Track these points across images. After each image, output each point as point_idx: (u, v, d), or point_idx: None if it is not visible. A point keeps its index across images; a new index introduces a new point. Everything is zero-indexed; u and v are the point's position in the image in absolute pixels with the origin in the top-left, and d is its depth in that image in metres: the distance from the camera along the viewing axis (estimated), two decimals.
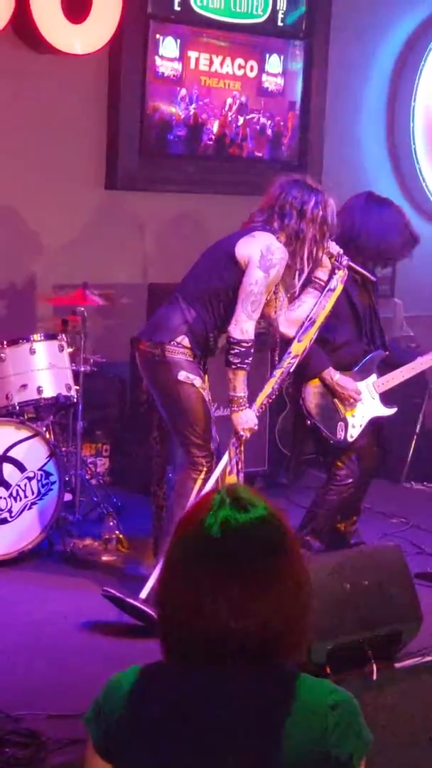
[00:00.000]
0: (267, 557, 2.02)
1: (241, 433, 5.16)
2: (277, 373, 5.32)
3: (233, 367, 5.07)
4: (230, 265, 5.12)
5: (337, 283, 5.37)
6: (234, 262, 5.11)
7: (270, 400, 5.35)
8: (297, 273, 5.28)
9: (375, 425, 5.90)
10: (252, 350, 5.09)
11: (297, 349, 5.33)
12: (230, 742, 2.00)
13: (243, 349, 5.05)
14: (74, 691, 4.28)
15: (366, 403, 5.78)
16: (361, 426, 5.77)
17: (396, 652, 4.68)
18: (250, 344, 5.07)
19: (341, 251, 5.37)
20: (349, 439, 5.72)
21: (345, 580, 4.53)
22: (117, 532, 5.99)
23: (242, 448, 5.21)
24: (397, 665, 4.66)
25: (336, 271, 5.36)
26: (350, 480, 5.76)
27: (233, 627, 1.99)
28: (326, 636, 4.31)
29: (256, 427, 5.23)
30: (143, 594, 4.97)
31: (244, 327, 5.04)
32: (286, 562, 2.04)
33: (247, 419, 5.16)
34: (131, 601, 4.95)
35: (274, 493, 7.17)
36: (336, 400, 5.71)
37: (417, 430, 7.94)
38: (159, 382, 5.23)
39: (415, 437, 7.92)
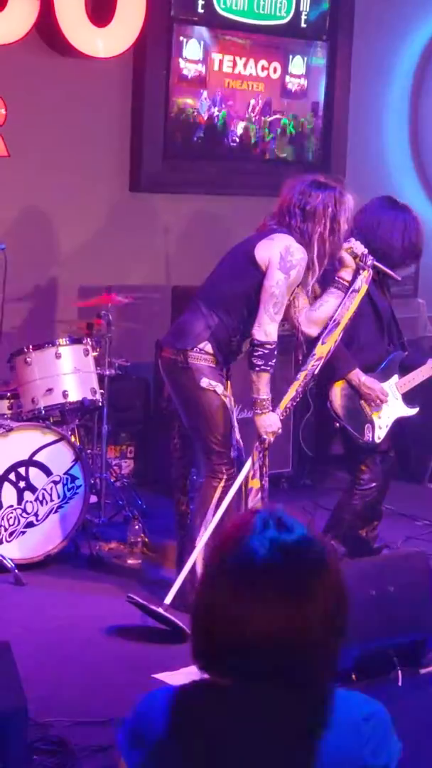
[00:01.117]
0: (314, 577, 2.03)
1: (265, 436, 5.16)
2: (301, 375, 5.30)
3: (257, 369, 5.08)
4: (250, 269, 5.13)
5: (362, 283, 5.33)
6: (254, 265, 5.11)
7: (294, 403, 5.35)
8: (311, 273, 5.23)
9: (396, 428, 5.90)
10: (275, 352, 5.10)
11: (321, 351, 5.31)
12: (267, 764, 2.01)
13: (266, 351, 5.06)
14: (102, 697, 4.33)
15: (391, 404, 5.79)
16: (387, 426, 5.77)
17: (422, 658, 4.69)
18: (273, 346, 5.07)
19: (366, 251, 5.33)
20: (377, 440, 5.73)
21: (370, 587, 4.55)
22: (142, 534, 6.01)
23: (266, 452, 5.22)
24: (423, 671, 4.68)
25: (360, 271, 5.31)
26: (374, 484, 5.77)
27: (276, 644, 1.99)
28: (352, 642, 4.31)
29: (280, 431, 5.23)
30: (168, 600, 4.99)
31: (267, 329, 5.05)
32: (331, 579, 2.05)
33: (270, 422, 5.16)
34: (155, 608, 4.97)
35: (298, 494, 7.20)
36: (362, 402, 5.71)
37: None
38: (181, 388, 5.25)
39: None
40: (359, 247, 5.31)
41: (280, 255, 5.05)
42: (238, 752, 2.03)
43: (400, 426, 5.90)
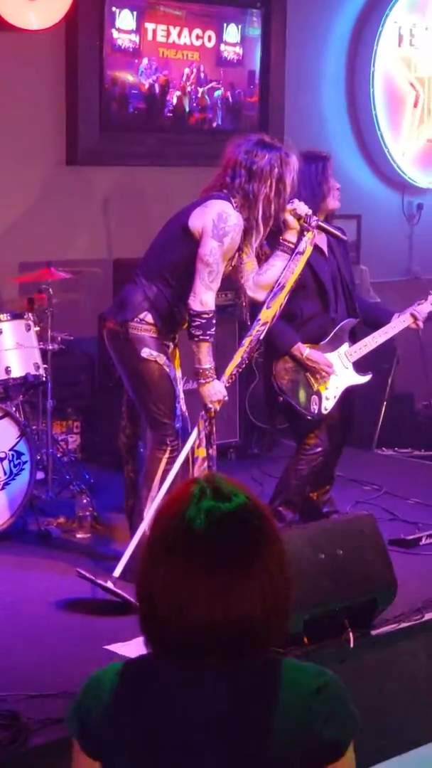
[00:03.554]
0: (253, 546, 1.99)
1: (210, 405, 5.12)
2: (246, 341, 5.24)
3: (196, 339, 5.03)
4: (185, 238, 5.08)
5: (306, 245, 5.25)
6: (188, 235, 5.06)
7: (240, 370, 5.29)
8: (255, 235, 5.17)
9: (344, 396, 5.90)
10: (214, 321, 5.05)
11: (266, 315, 5.24)
12: (219, 737, 1.99)
13: (204, 321, 5.02)
14: (54, 670, 4.30)
15: (339, 374, 5.78)
16: (335, 397, 5.76)
17: (372, 619, 4.71)
18: (210, 315, 5.03)
19: (310, 212, 5.24)
20: (324, 412, 5.72)
21: (319, 550, 4.54)
22: (90, 509, 5.99)
23: (213, 421, 5.19)
24: (374, 632, 4.69)
25: (305, 233, 5.24)
26: (319, 449, 5.77)
27: (218, 618, 1.96)
28: (302, 606, 4.32)
29: (226, 399, 5.18)
30: (116, 572, 4.97)
31: (203, 298, 5.01)
32: (270, 549, 2.01)
33: (215, 391, 5.11)
34: (103, 583, 4.95)
35: (246, 464, 7.21)
36: (308, 375, 5.70)
37: (386, 397, 7.96)
38: (124, 359, 5.22)
39: (384, 404, 7.95)
40: (302, 208, 5.22)
41: (213, 222, 4.99)
42: (182, 724, 2.01)
43: (347, 392, 5.90)
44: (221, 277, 5.09)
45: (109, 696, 2.05)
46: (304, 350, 5.64)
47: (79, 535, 5.91)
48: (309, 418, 5.69)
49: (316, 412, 5.70)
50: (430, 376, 8.43)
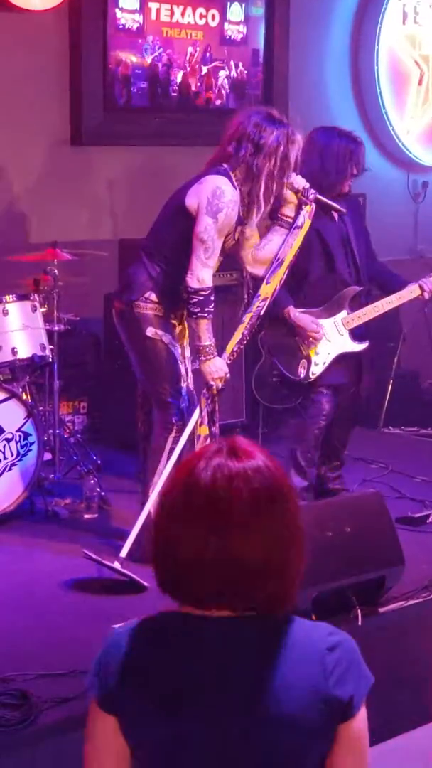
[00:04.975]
0: (255, 505, 2.02)
1: (212, 383, 5.10)
2: (246, 317, 5.20)
3: (194, 316, 5.02)
4: (183, 216, 5.07)
5: (304, 219, 5.21)
6: (185, 212, 5.05)
7: (241, 347, 5.25)
8: (256, 211, 5.12)
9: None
10: (212, 298, 5.03)
11: (266, 291, 5.20)
12: (230, 689, 2.02)
13: (202, 298, 5.00)
14: (63, 649, 4.32)
15: (333, 340, 5.78)
16: (324, 363, 5.77)
17: (380, 596, 4.72)
18: (208, 292, 5.00)
19: (308, 185, 5.18)
20: (311, 377, 5.75)
21: (327, 528, 4.56)
22: (98, 489, 6.00)
23: (217, 399, 5.16)
24: (382, 610, 4.71)
25: (303, 206, 5.19)
26: (322, 413, 5.78)
27: (216, 569, 2.00)
28: (310, 584, 4.33)
29: (228, 376, 5.16)
30: (123, 552, 4.99)
31: (199, 275, 4.99)
32: (277, 511, 2.04)
33: (216, 368, 5.09)
34: (109, 564, 4.96)
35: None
36: (297, 339, 5.72)
37: (392, 375, 7.96)
38: (130, 339, 5.24)
39: (390, 382, 7.94)
40: (299, 182, 5.17)
41: (208, 199, 4.97)
42: (193, 677, 2.04)
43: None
44: (222, 253, 5.08)
45: (126, 652, 2.09)
46: (294, 313, 5.65)
47: (86, 516, 5.92)
48: (294, 379, 5.72)
49: (303, 376, 5.74)
50: None
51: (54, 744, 3.76)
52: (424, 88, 9.24)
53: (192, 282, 4.99)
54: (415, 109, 9.20)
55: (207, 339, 5.05)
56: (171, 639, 2.08)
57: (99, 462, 6.46)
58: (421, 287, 5.92)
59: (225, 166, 5.06)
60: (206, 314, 5.01)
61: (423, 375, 8.67)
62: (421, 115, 9.24)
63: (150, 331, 5.11)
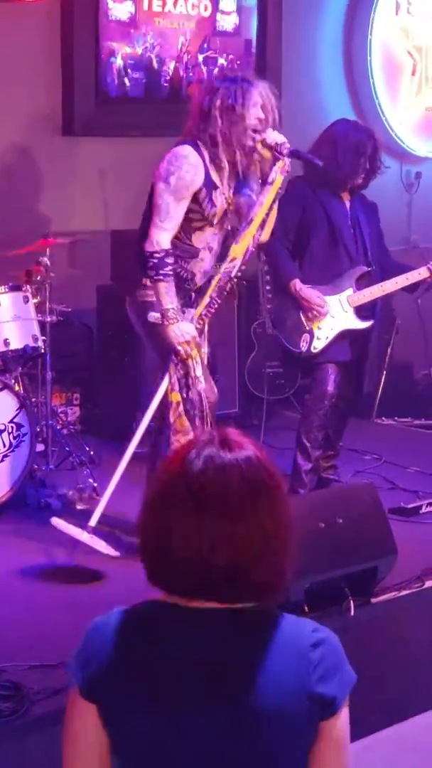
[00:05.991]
0: (245, 496, 2.02)
1: (179, 347, 4.98)
2: (214, 280, 5.08)
3: (152, 280, 4.98)
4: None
5: (276, 174, 5.03)
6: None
7: (210, 311, 5.11)
8: (229, 172, 5.04)
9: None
10: (167, 260, 4.94)
11: (235, 251, 5.07)
12: (213, 681, 2.02)
13: (156, 261, 4.94)
14: (55, 641, 4.30)
15: (336, 316, 5.80)
16: (327, 338, 5.79)
17: (372, 587, 4.72)
18: (162, 254, 4.94)
19: (284, 140, 5.00)
20: (313, 351, 5.78)
21: (319, 519, 4.55)
22: (90, 480, 5.99)
23: (191, 363, 5.01)
24: (374, 600, 4.71)
25: (276, 162, 5.03)
26: (327, 394, 5.79)
27: (206, 559, 2.00)
28: (302, 575, 4.33)
29: (197, 339, 5.03)
30: (92, 522, 5.04)
31: (155, 238, 4.96)
32: (266, 502, 2.04)
33: (181, 332, 4.96)
34: (77, 536, 5.04)
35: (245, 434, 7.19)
36: (301, 312, 5.73)
37: (385, 366, 7.96)
38: (137, 326, 5.26)
39: (384, 373, 7.95)
40: (273, 136, 5.00)
41: (163, 166, 4.99)
42: (178, 666, 2.04)
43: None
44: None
45: (110, 640, 2.08)
46: (299, 285, 5.67)
47: (79, 507, 5.90)
48: (295, 353, 5.74)
49: (305, 349, 5.75)
50: (429, 345, 8.42)
51: (46, 735, 3.75)
52: (417, 78, 9.23)
53: (147, 245, 4.96)
54: (408, 99, 9.20)
55: (167, 302, 4.94)
56: (159, 629, 2.08)
57: (92, 453, 6.45)
58: (429, 269, 5.94)
59: (190, 139, 5.04)
60: (162, 277, 4.93)
61: (416, 366, 8.68)
62: (414, 106, 9.23)
63: (151, 317, 5.07)
